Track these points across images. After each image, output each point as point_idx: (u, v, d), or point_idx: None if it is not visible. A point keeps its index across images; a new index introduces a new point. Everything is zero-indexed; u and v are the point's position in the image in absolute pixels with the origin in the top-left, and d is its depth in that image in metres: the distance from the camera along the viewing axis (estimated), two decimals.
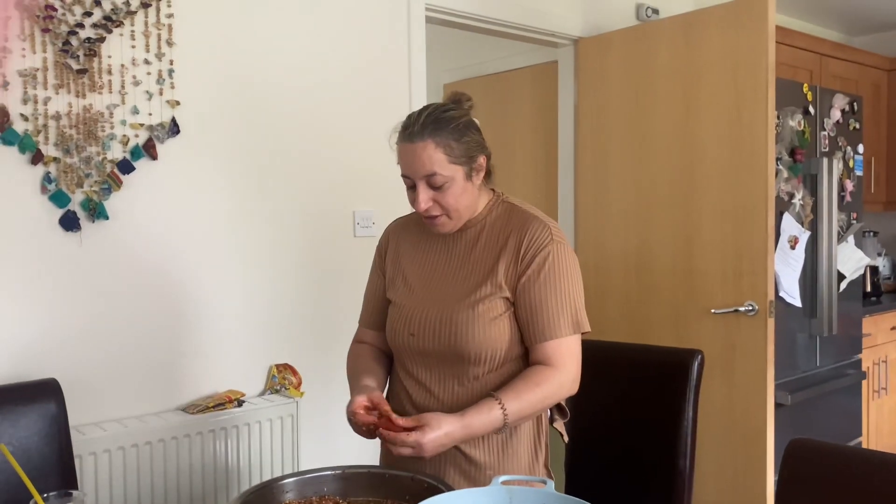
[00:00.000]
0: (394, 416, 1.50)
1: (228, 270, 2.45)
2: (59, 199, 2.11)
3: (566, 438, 1.78)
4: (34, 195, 2.08)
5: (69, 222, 2.12)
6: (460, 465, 1.62)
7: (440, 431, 1.45)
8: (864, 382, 3.70)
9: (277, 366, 2.55)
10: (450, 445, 1.49)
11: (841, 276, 3.43)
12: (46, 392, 1.89)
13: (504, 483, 1.30)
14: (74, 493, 1.43)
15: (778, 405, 3.02)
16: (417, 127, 1.54)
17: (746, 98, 2.83)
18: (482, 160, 1.61)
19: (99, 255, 2.19)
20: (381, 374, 1.73)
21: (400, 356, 1.71)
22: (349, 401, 1.60)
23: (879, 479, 1.22)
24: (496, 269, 1.59)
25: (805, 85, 3.20)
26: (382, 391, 1.69)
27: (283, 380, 2.52)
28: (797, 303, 3.13)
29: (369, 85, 2.78)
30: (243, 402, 2.38)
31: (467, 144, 1.57)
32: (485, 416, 1.49)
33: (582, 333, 1.63)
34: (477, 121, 1.65)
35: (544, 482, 1.30)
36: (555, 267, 1.58)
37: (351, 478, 1.66)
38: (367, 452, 2.53)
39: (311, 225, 2.65)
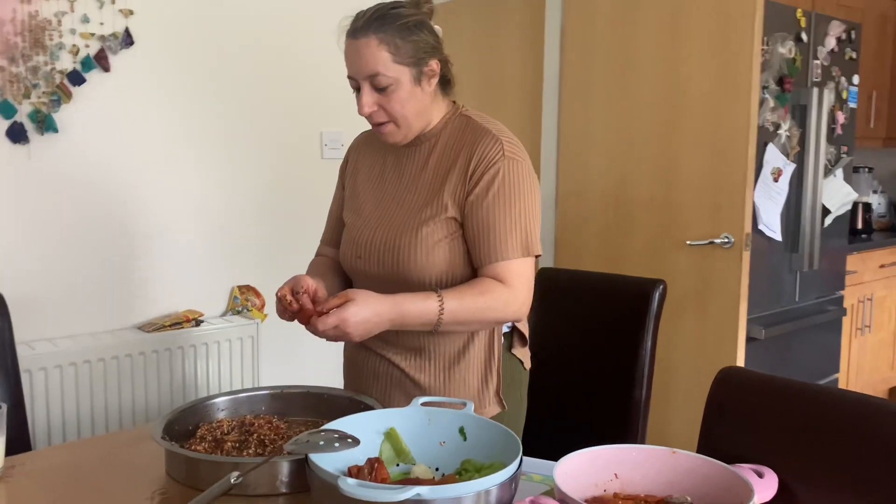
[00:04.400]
0: (312, 309, 1.41)
1: (188, 188, 2.40)
2: (4, 109, 2.04)
3: (528, 365, 1.72)
4: None
5: (16, 134, 2.07)
6: (405, 387, 1.59)
7: (367, 310, 1.36)
8: (844, 319, 3.65)
9: (240, 287, 2.52)
10: (382, 327, 1.40)
11: (826, 211, 3.35)
12: None
13: (424, 405, 1.27)
14: (3, 404, 1.42)
15: (751, 339, 2.99)
16: (362, 22, 1.46)
17: (734, 23, 2.72)
18: (434, 65, 1.51)
19: (49, 169, 2.14)
20: (332, 281, 1.66)
21: (352, 277, 1.67)
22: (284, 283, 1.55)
23: (807, 410, 1.19)
24: (443, 189, 1.51)
25: (799, 10, 3.07)
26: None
27: (245, 301, 2.49)
28: (777, 236, 3.06)
29: None
30: (202, 322, 2.36)
31: (415, 44, 1.47)
32: (419, 304, 1.41)
33: (536, 257, 1.55)
34: (437, 27, 1.55)
35: (464, 404, 1.27)
36: (505, 185, 1.49)
37: (288, 398, 1.64)
38: (328, 376, 2.51)
39: (277, 145, 2.58)
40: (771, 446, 1.19)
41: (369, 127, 1.60)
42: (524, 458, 1.44)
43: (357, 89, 1.50)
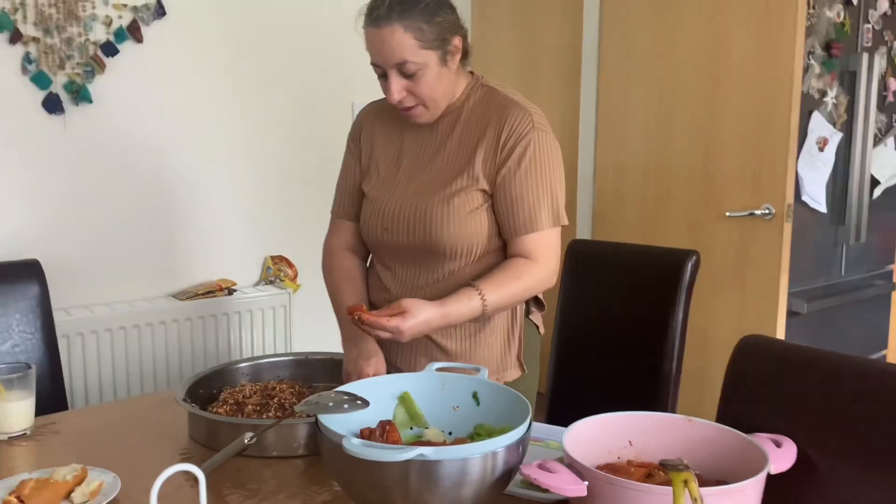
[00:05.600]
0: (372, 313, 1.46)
1: (221, 159, 2.43)
2: (40, 80, 2.08)
3: (542, 330, 1.74)
4: (15, 76, 2.06)
5: (52, 105, 2.11)
6: (432, 353, 1.59)
7: (419, 318, 1.41)
8: (894, 294, 3.53)
9: (273, 257, 2.54)
10: (427, 332, 1.47)
11: (876, 182, 3.23)
12: (28, 273, 1.90)
13: (438, 370, 1.27)
14: (32, 366, 1.46)
15: (793, 313, 2.91)
16: (384, 9, 1.42)
17: None
18: (457, 41, 1.50)
19: (84, 139, 2.18)
20: (361, 288, 1.67)
21: (375, 249, 1.68)
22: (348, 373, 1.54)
23: (830, 379, 1.15)
24: (473, 161, 1.52)
25: None
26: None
27: (278, 271, 2.52)
28: (822, 208, 2.96)
29: None
30: (234, 290, 2.39)
31: (440, 26, 1.45)
32: (464, 306, 1.46)
33: (561, 227, 1.57)
34: None
35: (478, 370, 1.26)
36: (536, 157, 1.50)
37: (311, 364, 1.67)
38: None
39: (308, 116, 2.58)
40: (791, 416, 1.15)
41: (381, 97, 1.58)
42: (543, 425, 1.44)
43: (382, 76, 1.49)
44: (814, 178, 2.92)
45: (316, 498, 1.19)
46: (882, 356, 3.51)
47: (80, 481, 1.15)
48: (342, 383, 1.54)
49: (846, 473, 1.10)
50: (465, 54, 1.56)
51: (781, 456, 1.08)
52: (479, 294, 1.46)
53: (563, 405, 2.04)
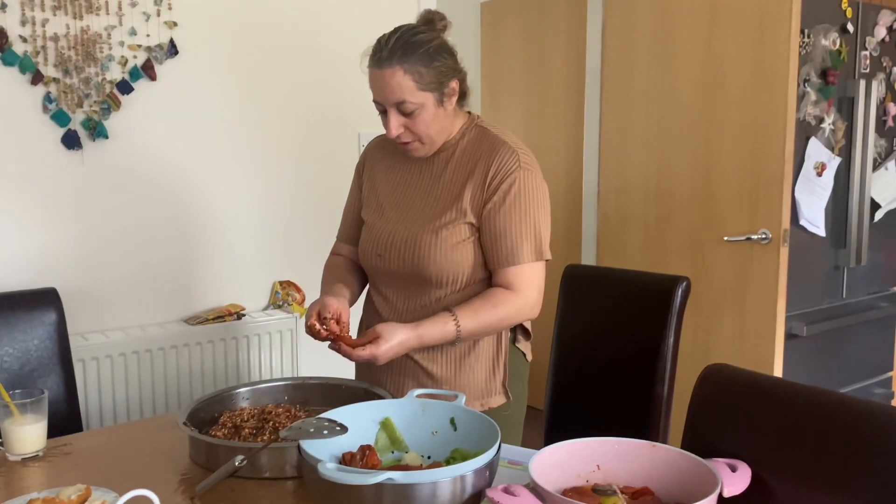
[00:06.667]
0: (346, 337, 1.56)
1: (230, 189, 2.53)
2: (59, 118, 2.21)
3: (529, 357, 1.81)
4: (36, 114, 2.18)
5: (70, 141, 2.23)
6: (419, 378, 1.68)
7: (393, 342, 1.52)
8: None
9: (281, 282, 2.64)
10: (403, 353, 1.57)
11: (877, 206, 3.27)
12: (46, 300, 2.01)
13: (418, 396, 1.35)
14: (45, 391, 1.56)
15: (793, 336, 2.95)
16: (386, 52, 1.53)
17: (770, 16, 2.69)
18: (454, 84, 1.60)
19: (101, 173, 2.29)
20: (353, 284, 1.78)
21: (370, 275, 1.77)
22: (310, 306, 1.66)
23: (788, 408, 1.21)
24: (462, 195, 1.61)
25: (844, 1, 3.00)
26: (354, 299, 1.76)
27: (286, 296, 2.61)
28: (821, 232, 3.01)
29: None
30: (243, 315, 2.49)
31: (438, 70, 1.55)
32: (437, 329, 1.56)
33: (545, 261, 1.65)
34: (451, 41, 1.64)
35: (455, 396, 1.34)
36: (520, 194, 1.59)
37: (308, 388, 1.75)
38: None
39: (316, 146, 2.69)
40: (751, 442, 1.22)
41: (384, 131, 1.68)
42: (523, 448, 1.51)
43: (383, 112, 1.59)
44: (812, 202, 2.97)
45: None
46: (888, 378, 3.52)
47: (83, 500, 1.23)
48: (336, 406, 1.64)
49: (801, 497, 1.15)
50: (463, 96, 1.66)
51: (735, 479, 1.14)
52: (454, 319, 1.56)
53: (560, 426, 2.11)
